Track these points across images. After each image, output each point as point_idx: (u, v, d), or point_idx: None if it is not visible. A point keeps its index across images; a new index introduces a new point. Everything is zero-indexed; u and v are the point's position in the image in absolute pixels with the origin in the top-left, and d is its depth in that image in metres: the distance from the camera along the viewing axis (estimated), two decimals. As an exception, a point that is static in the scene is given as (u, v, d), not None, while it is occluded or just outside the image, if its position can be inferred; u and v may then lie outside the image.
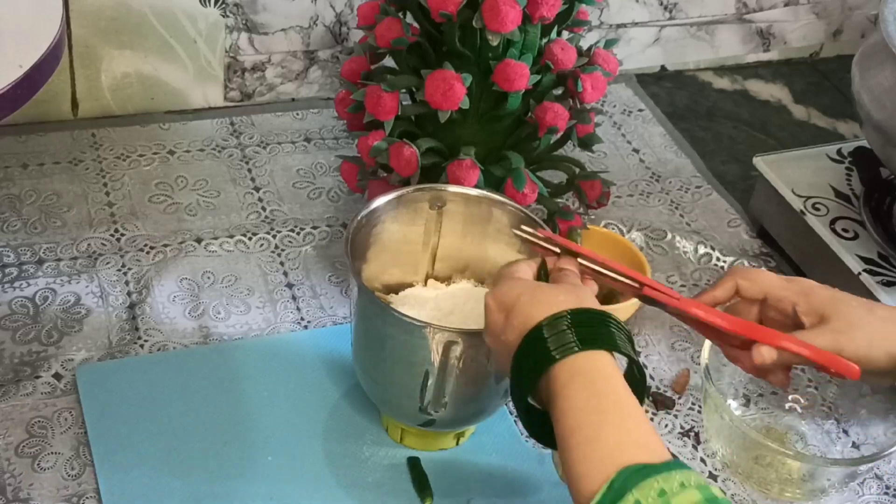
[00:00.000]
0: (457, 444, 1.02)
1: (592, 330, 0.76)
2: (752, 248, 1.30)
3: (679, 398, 1.10)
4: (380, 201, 0.98)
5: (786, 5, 1.60)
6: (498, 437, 1.03)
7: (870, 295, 1.15)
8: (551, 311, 0.76)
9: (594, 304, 0.80)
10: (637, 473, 0.67)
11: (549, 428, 0.76)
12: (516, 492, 0.99)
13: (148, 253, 1.17)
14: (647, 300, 0.88)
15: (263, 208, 1.25)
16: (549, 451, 1.01)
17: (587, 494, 0.68)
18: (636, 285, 0.87)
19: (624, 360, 0.78)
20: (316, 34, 1.37)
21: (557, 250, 0.87)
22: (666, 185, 1.37)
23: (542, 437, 0.80)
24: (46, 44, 0.91)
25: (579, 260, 0.86)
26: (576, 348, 0.74)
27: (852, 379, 0.83)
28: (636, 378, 0.77)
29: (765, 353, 0.84)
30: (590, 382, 0.73)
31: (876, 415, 1.02)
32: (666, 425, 1.07)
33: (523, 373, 0.77)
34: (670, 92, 1.56)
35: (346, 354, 1.04)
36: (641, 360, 1.13)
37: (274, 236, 1.21)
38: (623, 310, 1.12)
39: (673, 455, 0.74)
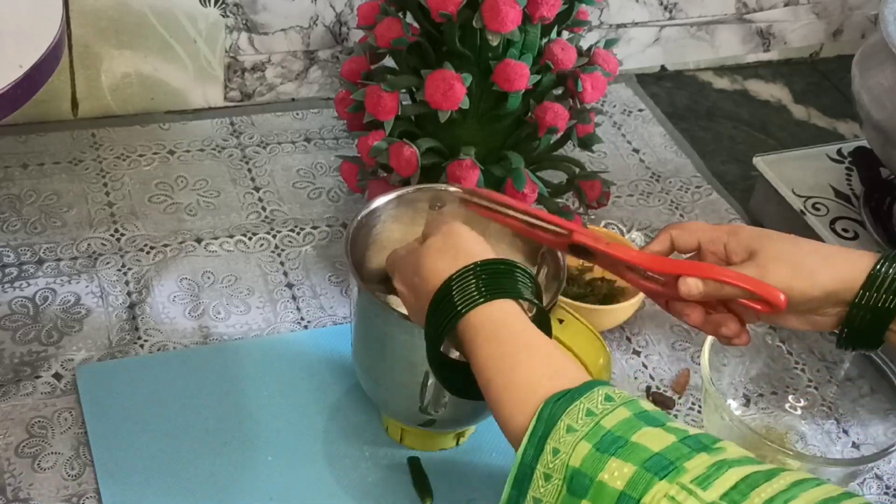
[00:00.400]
0: (457, 444, 1.02)
1: (483, 283, 0.76)
2: (752, 248, 1.30)
3: (679, 398, 1.10)
4: (380, 201, 0.98)
5: (786, 5, 1.60)
6: (498, 437, 1.02)
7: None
8: (437, 283, 0.77)
9: (477, 245, 0.80)
10: (561, 400, 0.67)
11: (472, 380, 0.76)
12: (516, 492, 0.99)
13: (148, 253, 1.17)
14: (577, 249, 0.87)
15: (263, 208, 1.25)
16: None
17: (518, 433, 0.68)
18: (565, 233, 0.87)
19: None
20: (316, 34, 1.37)
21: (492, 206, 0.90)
22: (666, 185, 1.37)
23: (465, 392, 0.80)
24: (46, 44, 0.91)
25: (509, 212, 0.88)
26: (463, 310, 0.75)
27: (777, 306, 0.82)
28: (541, 320, 0.78)
29: (691, 284, 0.83)
30: (493, 333, 0.74)
31: (876, 415, 1.02)
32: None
33: (427, 340, 0.79)
34: (670, 92, 1.56)
35: (346, 354, 1.04)
36: (642, 360, 1.13)
37: (274, 236, 1.21)
38: (623, 310, 1.12)
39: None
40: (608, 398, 0.67)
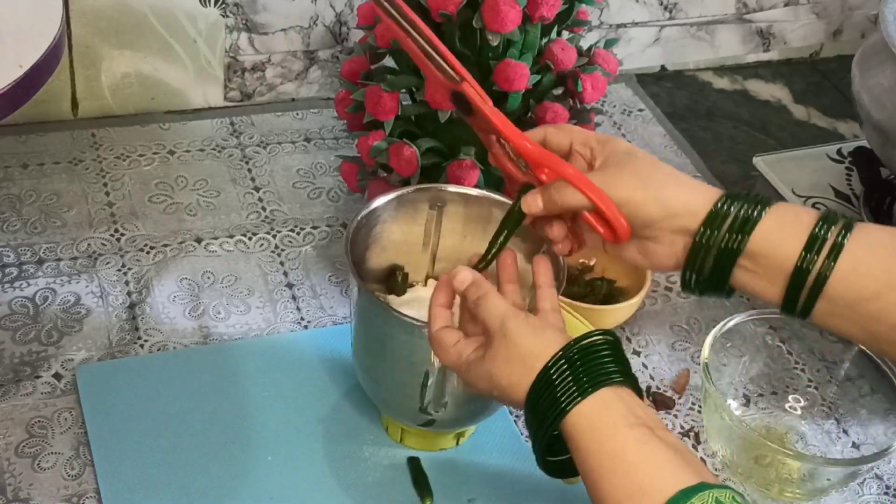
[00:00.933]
0: (457, 444, 1.02)
1: (561, 386, 0.75)
2: (752, 248, 1.30)
3: (679, 398, 1.10)
4: (380, 201, 0.98)
5: (786, 5, 1.60)
6: (498, 437, 1.03)
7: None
8: (521, 395, 0.76)
9: (539, 343, 0.77)
10: None
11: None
12: (516, 492, 0.99)
13: (148, 253, 1.17)
14: (458, 100, 0.84)
15: (263, 208, 1.25)
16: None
17: None
18: (456, 79, 0.83)
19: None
20: (316, 34, 1.37)
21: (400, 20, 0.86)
22: (666, 185, 1.37)
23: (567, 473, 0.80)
24: (46, 44, 0.91)
25: (412, 32, 0.84)
26: (568, 407, 0.74)
27: (621, 235, 0.79)
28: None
29: (530, 202, 0.81)
30: (579, 443, 0.74)
31: (876, 415, 1.02)
32: (666, 425, 1.07)
33: (534, 448, 0.79)
34: (670, 92, 1.56)
35: (346, 354, 1.04)
36: (642, 360, 1.13)
37: (274, 236, 1.21)
38: (623, 310, 1.12)
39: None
40: None
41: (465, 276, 0.82)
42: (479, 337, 0.82)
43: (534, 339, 0.78)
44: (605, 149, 0.83)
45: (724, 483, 0.70)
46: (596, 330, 0.77)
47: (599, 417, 0.74)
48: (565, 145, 0.84)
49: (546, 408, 0.75)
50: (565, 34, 1.14)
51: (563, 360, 0.75)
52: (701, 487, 0.68)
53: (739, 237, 0.78)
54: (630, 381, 0.76)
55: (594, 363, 0.75)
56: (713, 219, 0.78)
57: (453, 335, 0.82)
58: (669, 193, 0.80)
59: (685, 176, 0.82)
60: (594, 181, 0.79)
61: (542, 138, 0.85)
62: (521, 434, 1.04)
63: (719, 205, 0.79)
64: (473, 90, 0.83)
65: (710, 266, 0.80)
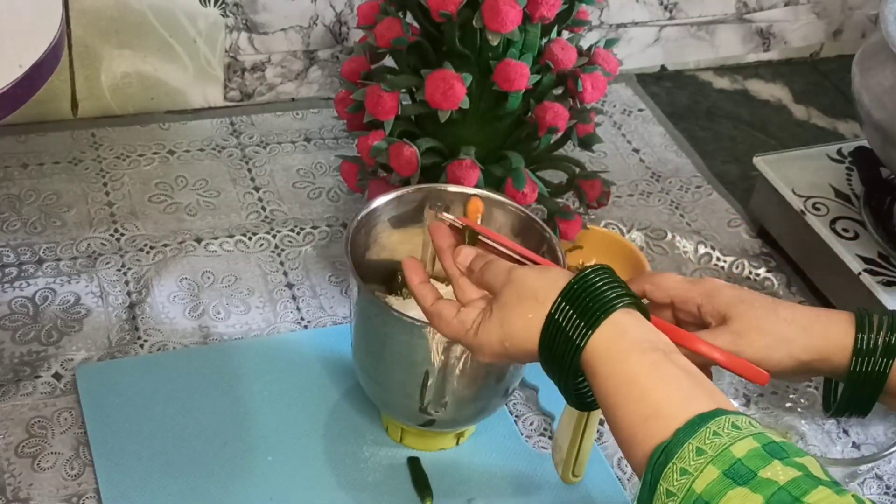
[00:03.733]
0: (457, 444, 1.02)
1: (581, 310, 0.75)
2: (752, 249, 1.30)
3: (679, 398, 1.10)
4: (380, 201, 0.98)
5: (786, 5, 1.60)
6: (498, 437, 1.03)
7: (870, 295, 1.15)
8: (532, 335, 0.76)
9: (547, 280, 0.78)
10: (658, 462, 0.67)
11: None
12: (516, 492, 0.99)
13: (148, 253, 1.17)
14: None
15: (263, 208, 1.25)
16: (548, 451, 1.01)
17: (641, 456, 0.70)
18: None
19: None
20: (316, 34, 1.37)
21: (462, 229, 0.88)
22: (666, 185, 1.37)
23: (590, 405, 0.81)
24: (46, 44, 0.91)
25: (503, 250, 0.86)
26: (581, 343, 0.74)
27: (760, 384, 0.82)
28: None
29: None
30: (596, 369, 0.74)
31: (876, 415, 1.02)
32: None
33: (560, 386, 0.78)
34: (670, 92, 1.56)
35: (346, 354, 1.04)
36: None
37: (274, 236, 1.21)
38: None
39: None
40: (699, 452, 0.66)
41: (469, 251, 0.84)
42: (479, 301, 0.82)
43: (540, 277, 0.79)
44: (714, 304, 0.85)
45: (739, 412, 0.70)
46: (587, 266, 0.78)
47: (614, 344, 0.74)
48: (665, 301, 0.87)
49: (562, 346, 0.75)
50: (565, 34, 1.14)
51: (564, 303, 0.76)
52: (717, 413, 0.68)
53: (882, 369, 0.82)
54: (635, 302, 0.77)
55: (596, 294, 0.76)
56: (859, 350, 0.82)
57: (452, 306, 0.82)
58: (800, 346, 0.83)
59: (802, 313, 0.85)
60: (721, 343, 0.82)
61: (641, 292, 0.87)
62: (521, 434, 1.04)
63: (858, 359, 0.82)
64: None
65: (863, 392, 0.84)
